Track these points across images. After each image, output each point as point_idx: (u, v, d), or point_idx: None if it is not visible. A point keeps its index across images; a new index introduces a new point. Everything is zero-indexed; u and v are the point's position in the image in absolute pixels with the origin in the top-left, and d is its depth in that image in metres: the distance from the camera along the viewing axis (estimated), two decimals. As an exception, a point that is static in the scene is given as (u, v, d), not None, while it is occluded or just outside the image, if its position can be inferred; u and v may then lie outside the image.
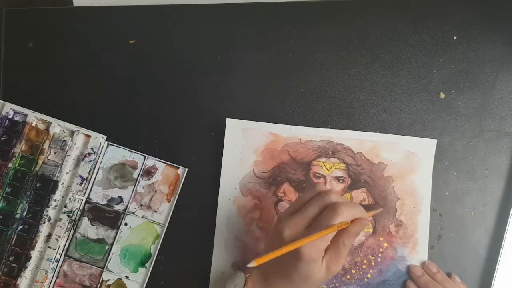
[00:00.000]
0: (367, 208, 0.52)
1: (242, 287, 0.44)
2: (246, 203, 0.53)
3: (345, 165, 0.53)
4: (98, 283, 0.52)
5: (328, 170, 0.53)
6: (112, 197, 0.53)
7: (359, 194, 0.53)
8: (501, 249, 0.51)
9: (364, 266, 0.52)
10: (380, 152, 0.53)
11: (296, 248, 0.40)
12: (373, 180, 0.53)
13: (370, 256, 0.52)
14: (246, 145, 0.53)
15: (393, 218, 0.52)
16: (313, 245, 0.41)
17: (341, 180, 0.53)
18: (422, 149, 0.53)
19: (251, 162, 0.53)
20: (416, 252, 0.52)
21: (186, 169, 0.53)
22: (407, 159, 0.53)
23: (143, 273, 0.53)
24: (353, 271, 0.52)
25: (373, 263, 0.52)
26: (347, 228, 0.42)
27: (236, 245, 0.52)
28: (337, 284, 0.52)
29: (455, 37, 0.55)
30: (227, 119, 0.53)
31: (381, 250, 0.52)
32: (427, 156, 0.53)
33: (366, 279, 0.52)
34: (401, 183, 0.53)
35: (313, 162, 0.53)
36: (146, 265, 0.53)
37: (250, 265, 0.36)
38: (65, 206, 0.52)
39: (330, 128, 0.54)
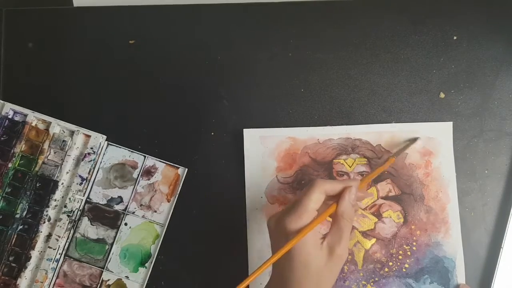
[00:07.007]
0: (395, 198, 0.53)
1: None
2: (274, 211, 0.53)
3: (366, 160, 0.53)
4: (98, 283, 0.52)
5: (350, 167, 0.53)
6: (112, 197, 0.53)
7: (385, 186, 0.53)
8: (501, 249, 0.51)
9: (400, 257, 0.52)
10: (398, 141, 0.53)
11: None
12: (396, 170, 0.53)
13: (404, 246, 0.52)
14: (266, 153, 0.53)
15: (422, 205, 0.52)
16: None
17: (364, 175, 0.53)
18: (439, 133, 0.53)
19: (273, 169, 0.53)
20: (450, 236, 0.52)
21: (186, 169, 0.53)
22: (426, 145, 0.53)
23: (143, 273, 0.53)
24: (390, 263, 0.52)
25: (409, 253, 0.52)
26: (341, 200, 0.41)
27: (270, 254, 0.52)
28: (376, 279, 0.52)
29: (455, 37, 0.55)
30: (244, 130, 0.53)
31: (414, 238, 0.52)
32: (445, 139, 0.53)
33: (404, 270, 0.52)
34: (425, 169, 0.53)
35: (334, 160, 0.53)
36: (146, 265, 0.53)
37: None
38: (65, 206, 0.52)
39: (344, 125, 0.54)
